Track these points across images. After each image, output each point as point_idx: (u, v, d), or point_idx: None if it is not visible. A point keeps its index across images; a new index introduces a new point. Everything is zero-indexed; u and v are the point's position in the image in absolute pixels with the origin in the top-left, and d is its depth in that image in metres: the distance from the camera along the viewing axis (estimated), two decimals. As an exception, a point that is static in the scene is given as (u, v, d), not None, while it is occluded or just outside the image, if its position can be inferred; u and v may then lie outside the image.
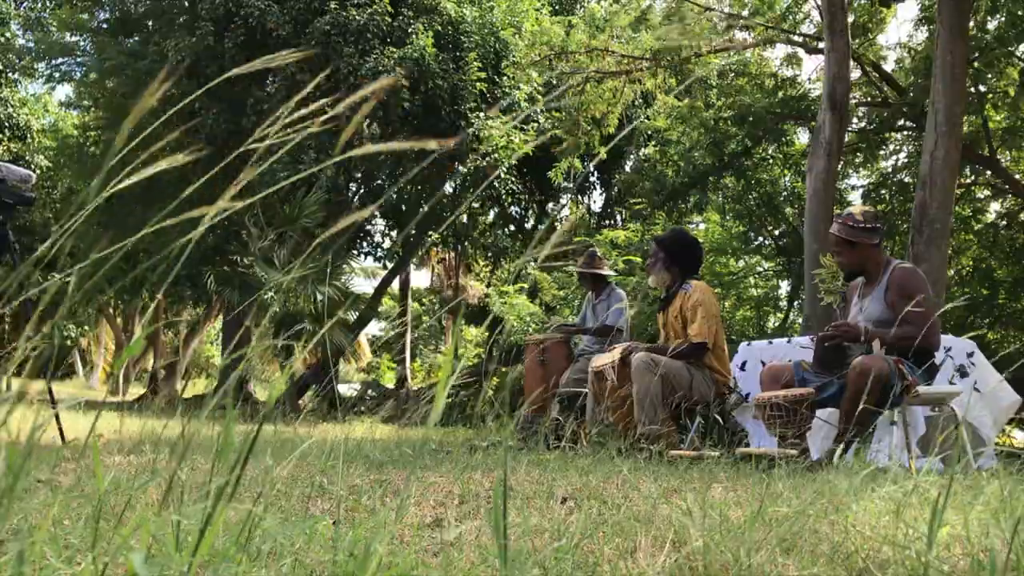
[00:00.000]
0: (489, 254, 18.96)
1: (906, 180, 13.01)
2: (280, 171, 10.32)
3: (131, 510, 1.37)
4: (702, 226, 15.88)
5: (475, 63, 12.08)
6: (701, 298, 4.23)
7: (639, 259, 9.25)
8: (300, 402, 12.62)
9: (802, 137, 14.28)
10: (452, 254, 21.19)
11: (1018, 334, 12.52)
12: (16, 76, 17.56)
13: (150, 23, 14.55)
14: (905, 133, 12.86)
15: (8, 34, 16.72)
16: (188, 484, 1.86)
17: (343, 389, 16.64)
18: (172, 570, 0.81)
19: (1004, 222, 13.41)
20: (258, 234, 11.30)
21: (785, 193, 14.27)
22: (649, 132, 14.03)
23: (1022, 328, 12.66)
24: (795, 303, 14.92)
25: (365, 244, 15.79)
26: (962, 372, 4.29)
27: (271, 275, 11.24)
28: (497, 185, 12.76)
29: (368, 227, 15.50)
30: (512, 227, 17.90)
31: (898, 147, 13.67)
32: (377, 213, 14.90)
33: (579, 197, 16.88)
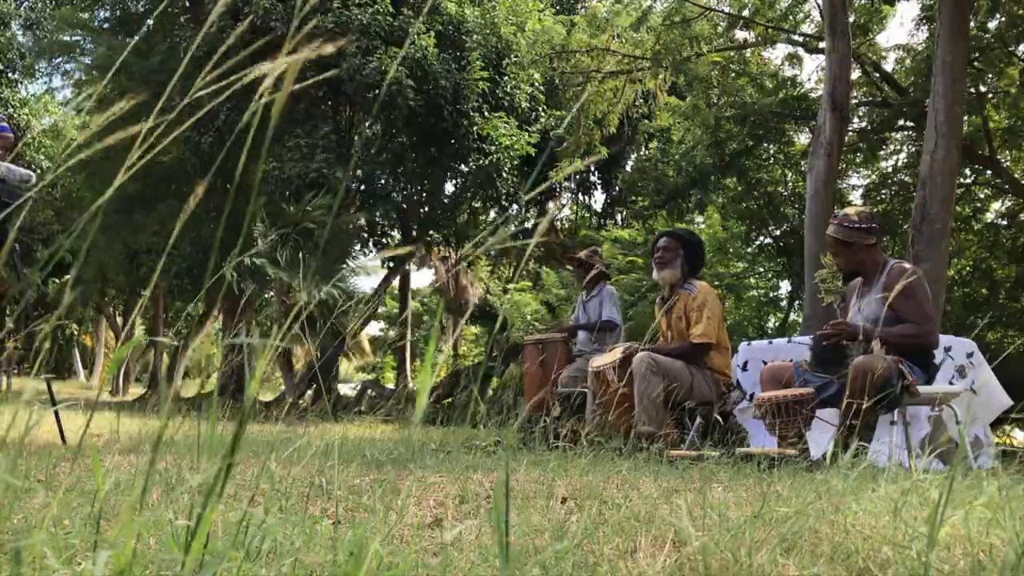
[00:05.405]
0: (491, 253, 18.94)
1: (906, 180, 13.01)
2: (292, 168, 10.29)
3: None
4: (703, 226, 15.86)
5: (478, 62, 12.08)
6: (706, 299, 4.22)
7: (639, 259, 9.24)
8: (300, 401, 12.62)
9: (802, 137, 14.26)
10: (452, 254, 21.18)
11: (1018, 334, 12.51)
12: (16, 76, 17.56)
13: (151, 22, 14.55)
14: (905, 133, 12.86)
15: (8, 34, 16.72)
16: (188, 483, 1.86)
17: (343, 389, 16.63)
18: (169, 570, 0.81)
19: (1004, 222, 13.41)
20: (262, 230, 11.30)
21: (785, 193, 14.25)
22: (650, 132, 14.02)
23: (1022, 328, 12.65)
24: (795, 303, 14.91)
25: (370, 244, 15.78)
26: (961, 372, 4.28)
27: (275, 273, 11.24)
28: (498, 185, 12.76)
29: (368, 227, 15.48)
30: (512, 226, 17.87)
31: (898, 147, 13.67)
32: (378, 213, 14.88)
33: (579, 196, 16.87)
